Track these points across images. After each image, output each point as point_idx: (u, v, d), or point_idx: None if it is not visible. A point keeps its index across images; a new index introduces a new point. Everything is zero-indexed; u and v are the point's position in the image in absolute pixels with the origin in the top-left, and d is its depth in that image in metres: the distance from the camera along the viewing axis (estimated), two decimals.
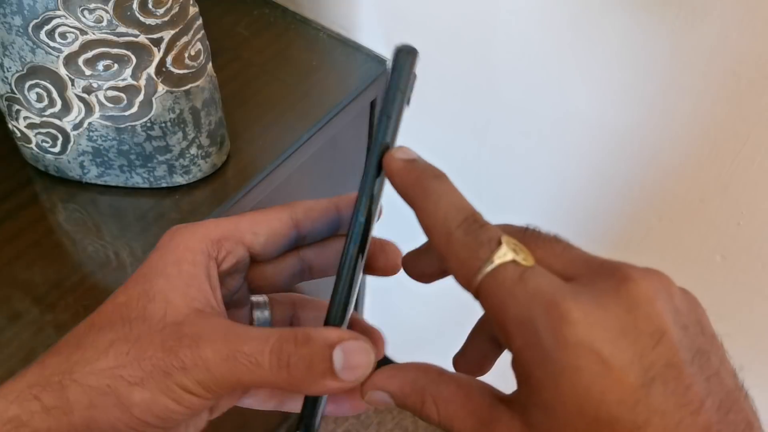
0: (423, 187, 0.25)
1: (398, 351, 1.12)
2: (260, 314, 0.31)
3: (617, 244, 0.69)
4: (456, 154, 0.74)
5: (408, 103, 0.27)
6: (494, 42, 0.62)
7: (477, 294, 0.22)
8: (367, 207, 0.26)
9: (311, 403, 0.27)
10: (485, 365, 0.29)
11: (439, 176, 0.25)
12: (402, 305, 1.02)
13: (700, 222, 0.61)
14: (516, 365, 0.22)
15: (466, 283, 0.23)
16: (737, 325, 0.67)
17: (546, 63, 0.60)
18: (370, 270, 0.30)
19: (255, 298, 0.31)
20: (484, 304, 0.22)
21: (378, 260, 0.29)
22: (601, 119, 0.60)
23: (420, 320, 1.03)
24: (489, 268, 0.22)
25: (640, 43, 0.54)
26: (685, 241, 0.64)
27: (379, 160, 0.26)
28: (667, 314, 0.21)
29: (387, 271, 0.29)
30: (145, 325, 0.25)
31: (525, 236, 0.23)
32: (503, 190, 0.74)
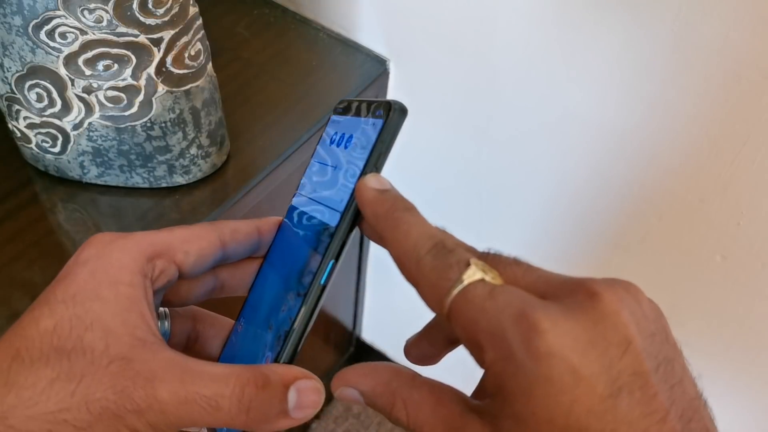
0: (394, 218, 0.25)
1: (398, 350, 1.12)
2: (160, 326, 0.29)
3: (617, 244, 0.69)
4: (456, 154, 0.74)
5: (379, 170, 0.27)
6: (494, 42, 0.62)
7: (448, 315, 0.23)
8: (340, 241, 0.27)
9: None
10: (436, 358, 0.30)
11: (410, 209, 0.25)
12: (402, 304, 1.02)
13: (700, 222, 0.61)
14: (487, 378, 0.22)
15: (438, 305, 0.23)
16: (737, 325, 0.67)
17: (546, 63, 0.60)
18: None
19: (158, 309, 0.30)
20: (455, 324, 0.22)
21: None
22: (601, 119, 0.60)
23: (419, 319, 1.02)
24: (459, 288, 0.22)
25: (640, 43, 0.54)
26: (685, 241, 0.64)
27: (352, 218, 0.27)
28: (632, 324, 0.21)
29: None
30: (87, 359, 0.23)
31: (487, 259, 0.24)
32: (503, 190, 0.74)
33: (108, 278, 0.25)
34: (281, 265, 0.30)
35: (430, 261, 0.23)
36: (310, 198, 0.30)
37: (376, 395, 0.25)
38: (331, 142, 0.30)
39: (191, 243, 0.28)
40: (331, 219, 0.27)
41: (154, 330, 0.25)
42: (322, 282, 0.26)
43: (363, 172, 0.27)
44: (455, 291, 0.22)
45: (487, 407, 0.22)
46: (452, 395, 0.24)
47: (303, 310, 0.26)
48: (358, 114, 0.29)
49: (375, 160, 0.27)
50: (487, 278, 0.22)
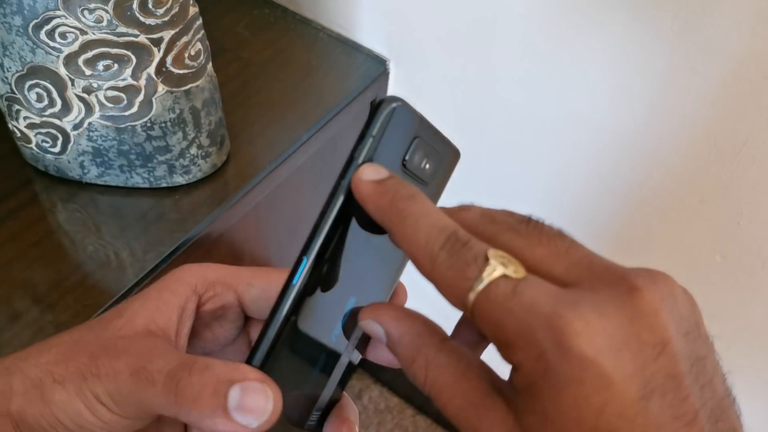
0: (398, 210, 0.23)
1: None
2: None
3: (617, 243, 0.69)
4: None
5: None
6: (494, 41, 0.62)
7: (472, 315, 0.21)
8: (317, 249, 0.24)
9: None
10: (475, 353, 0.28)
11: (413, 195, 0.23)
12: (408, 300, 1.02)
13: (700, 222, 0.61)
14: (516, 376, 0.21)
15: (460, 305, 0.22)
16: (737, 325, 0.67)
17: (546, 63, 0.60)
18: (374, 356, 0.29)
19: None
20: (481, 324, 0.21)
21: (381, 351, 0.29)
22: (601, 119, 0.60)
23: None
24: (480, 287, 0.21)
25: (640, 43, 0.54)
26: (685, 241, 0.64)
27: (344, 199, 0.24)
28: (670, 324, 0.20)
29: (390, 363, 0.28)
30: (99, 334, 0.26)
31: (528, 229, 0.22)
32: (503, 190, 0.74)
33: (164, 285, 0.28)
34: None
35: (446, 258, 0.22)
36: None
37: (402, 344, 0.24)
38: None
39: (258, 278, 0.29)
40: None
41: (169, 330, 0.27)
42: (294, 282, 0.24)
43: (351, 160, 0.24)
44: (477, 290, 0.21)
45: (513, 396, 0.21)
46: (480, 370, 0.23)
47: (274, 311, 0.24)
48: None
49: (363, 148, 0.24)
50: (509, 272, 0.21)
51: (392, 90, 0.73)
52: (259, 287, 0.28)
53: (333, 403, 0.29)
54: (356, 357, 0.29)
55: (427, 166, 0.27)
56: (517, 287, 0.21)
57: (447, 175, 0.28)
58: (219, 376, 0.23)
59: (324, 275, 0.25)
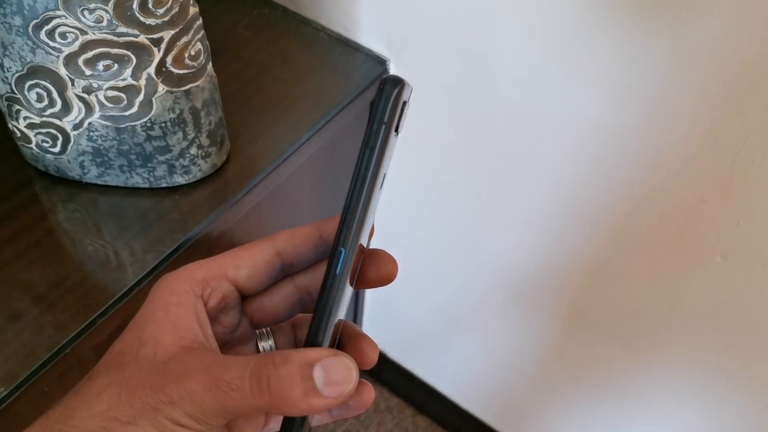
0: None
1: (398, 350, 1.12)
2: (265, 345, 0.32)
3: (617, 244, 0.69)
4: (456, 153, 0.74)
5: (397, 132, 0.27)
6: (494, 42, 0.62)
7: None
8: (352, 233, 0.27)
9: (288, 423, 0.27)
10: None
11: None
12: (402, 304, 1.02)
13: (700, 222, 0.61)
14: None
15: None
16: (737, 325, 0.67)
17: (546, 63, 0.60)
18: (362, 283, 0.30)
19: (258, 330, 0.33)
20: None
21: (369, 272, 0.30)
22: (601, 119, 0.60)
23: (419, 319, 1.03)
24: None
25: (640, 43, 0.54)
26: (685, 241, 0.64)
27: (368, 188, 0.26)
28: None
29: (379, 282, 0.30)
30: (136, 367, 0.26)
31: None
32: (503, 190, 0.74)
33: (161, 303, 0.28)
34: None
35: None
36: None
37: None
38: None
39: (241, 258, 0.30)
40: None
41: (200, 339, 0.28)
42: (338, 272, 0.27)
43: (361, 153, 0.26)
44: None
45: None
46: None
47: (321, 300, 0.27)
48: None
49: (371, 140, 0.26)
50: None
51: None
52: (246, 266, 0.30)
53: None
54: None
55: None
56: None
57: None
58: (299, 362, 0.25)
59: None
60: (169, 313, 0.28)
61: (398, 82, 0.26)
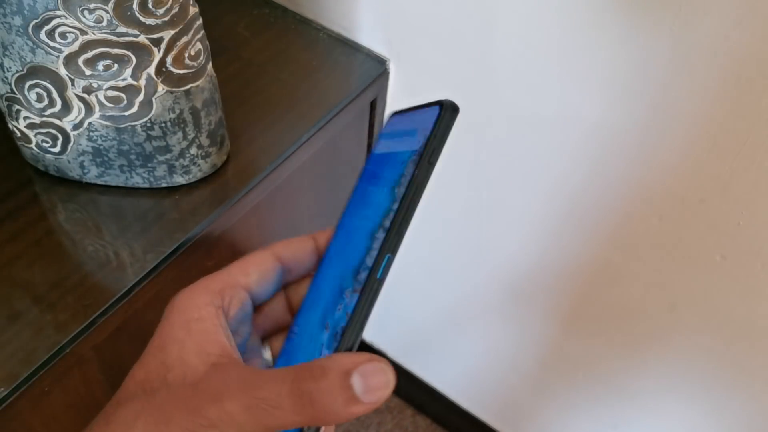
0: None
1: (398, 350, 1.12)
2: (266, 354, 0.32)
3: (617, 243, 0.69)
4: (456, 154, 0.74)
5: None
6: (495, 41, 0.62)
7: None
8: (401, 240, 0.27)
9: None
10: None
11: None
12: (402, 304, 1.02)
13: (700, 222, 0.61)
14: None
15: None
16: (737, 325, 0.67)
17: (546, 62, 0.60)
18: None
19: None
20: None
21: None
22: (602, 119, 0.60)
23: (419, 319, 1.03)
24: None
25: (640, 43, 0.54)
26: (685, 241, 0.64)
27: (419, 199, 0.28)
28: None
29: None
30: (167, 392, 0.26)
31: None
32: (503, 190, 0.74)
33: (180, 321, 0.28)
34: (336, 266, 0.30)
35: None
36: (362, 201, 0.31)
37: None
38: (380, 154, 0.31)
39: (248, 265, 0.30)
40: (385, 212, 0.28)
41: (228, 352, 0.27)
42: (379, 276, 0.27)
43: (422, 153, 0.28)
44: None
45: None
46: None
47: (360, 304, 0.27)
48: (412, 113, 0.30)
49: (431, 148, 0.28)
50: None
51: (392, 90, 0.73)
52: (255, 272, 0.30)
53: None
54: None
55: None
56: None
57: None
58: (338, 372, 0.24)
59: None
60: (191, 331, 0.27)
61: (456, 111, 0.29)
